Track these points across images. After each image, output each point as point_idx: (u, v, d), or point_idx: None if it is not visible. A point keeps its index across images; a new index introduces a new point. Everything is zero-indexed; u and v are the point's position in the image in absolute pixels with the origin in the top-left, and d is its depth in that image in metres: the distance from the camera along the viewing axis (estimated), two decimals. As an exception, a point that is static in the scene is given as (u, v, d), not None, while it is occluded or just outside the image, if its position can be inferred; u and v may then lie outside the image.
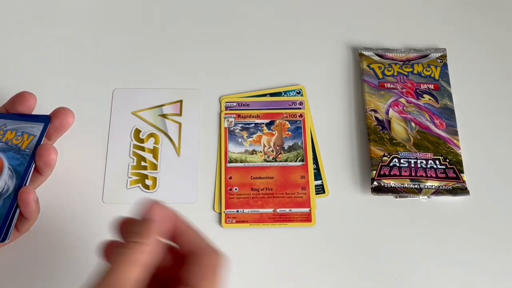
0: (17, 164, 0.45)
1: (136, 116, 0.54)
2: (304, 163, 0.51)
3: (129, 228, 0.32)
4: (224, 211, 0.49)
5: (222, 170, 0.51)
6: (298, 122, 0.53)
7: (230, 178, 0.51)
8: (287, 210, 0.49)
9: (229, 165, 0.51)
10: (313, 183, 0.51)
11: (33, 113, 0.48)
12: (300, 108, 0.54)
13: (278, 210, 0.49)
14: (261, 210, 0.49)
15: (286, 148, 0.52)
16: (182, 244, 0.34)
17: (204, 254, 0.32)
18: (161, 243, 0.33)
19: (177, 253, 0.34)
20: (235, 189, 0.50)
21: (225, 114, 0.53)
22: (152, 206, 0.33)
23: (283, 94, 0.55)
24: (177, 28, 0.59)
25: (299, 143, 0.52)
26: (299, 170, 0.51)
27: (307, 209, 0.49)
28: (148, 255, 0.31)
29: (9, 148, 0.45)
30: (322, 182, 0.51)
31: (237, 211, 0.49)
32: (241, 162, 0.51)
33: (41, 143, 0.46)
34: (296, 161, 0.51)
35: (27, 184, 0.44)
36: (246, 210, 0.49)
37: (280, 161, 0.51)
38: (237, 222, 0.49)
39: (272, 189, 0.50)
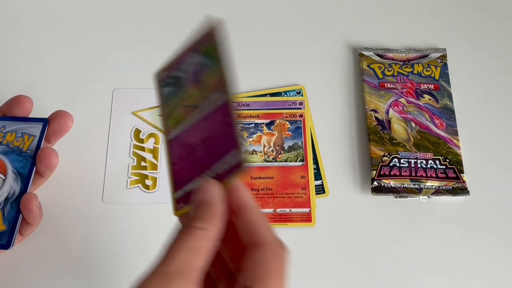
0: (20, 167, 0.45)
1: (136, 116, 0.54)
2: (304, 163, 0.51)
3: (190, 212, 0.29)
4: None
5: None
6: (298, 122, 0.53)
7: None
8: (287, 210, 0.49)
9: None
10: (313, 183, 0.51)
11: (32, 114, 0.48)
12: (300, 108, 0.54)
13: (278, 210, 0.49)
14: (261, 211, 0.49)
15: (286, 148, 0.52)
16: (243, 232, 0.29)
17: (270, 250, 0.28)
18: (223, 230, 0.28)
19: (231, 241, 0.29)
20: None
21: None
22: (214, 188, 0.29)
23: (283, 94, 0.55)
24: (177, 28, 0.59)
25: (299, 143, 0.52)
26: (299, 170, 0.51)
27: (307, 209, 0.49)
28: (211, 242, 0.28)
29: (11, 151, 0.45)
30: (322, 182, 0.51)
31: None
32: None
33: (41, 146, 0.46)
34: (296, 161, 0.51)
35: (29, 189, 0.44)
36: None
37: (280, 161, 0.51)
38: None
39: (272, 189, 0.50)
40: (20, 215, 0.43)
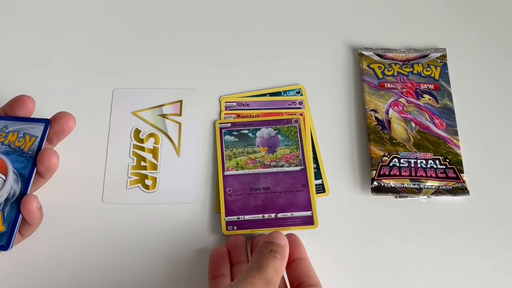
0: (21, 167, 0.45)
1: (136, 116, 0.54)
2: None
3: (268, 245, 0.40)
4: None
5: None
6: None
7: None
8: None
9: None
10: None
11: (33, 115, 0.48)
12: (300, 108, 0.54)
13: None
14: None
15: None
16: (300, 273, 0.43)
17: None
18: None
19: None
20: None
21: (225, 114, 0.53)
22: (285, 238, 0.41)
23: (282, 94, 0.55)
24: (177, 28, 0.59)
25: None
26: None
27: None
28: (283, 270, 0.40)
29: (12, 151, 0.45)
30: (322, 182, 0.51)
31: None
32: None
33: (42, 147, 0.46)
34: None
35: (29, 190, 0.44)
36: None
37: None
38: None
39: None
40: (20, 216, 0.43)
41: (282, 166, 0.50)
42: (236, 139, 0.52)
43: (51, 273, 0.47)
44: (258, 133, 0.51)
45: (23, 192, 0.44)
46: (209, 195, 0.50)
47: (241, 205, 0.49)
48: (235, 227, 0.48)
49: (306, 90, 0.55)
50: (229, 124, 0.52)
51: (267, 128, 0.51)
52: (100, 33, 0.58)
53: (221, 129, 0.52)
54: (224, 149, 0.51)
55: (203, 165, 0.52)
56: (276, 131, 0.51)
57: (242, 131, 0.52)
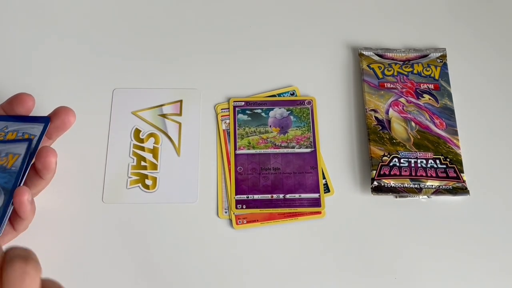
0: (4, 182, 0.44)
1: (136, 116, 0.54)
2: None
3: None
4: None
5: (225, 169, 0.51)
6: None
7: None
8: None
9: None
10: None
11: (34, 113, 0.48)
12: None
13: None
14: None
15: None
16: None
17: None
18: None
19: None
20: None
21: (222, 116, 0.53)
22: None
23: (277, 96, 0.55)
24: (177, 29, 0.59)
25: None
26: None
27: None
28: None
29: None
30: (326, 182, 0.51)
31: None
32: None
33: (40, 144, 0.45)
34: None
35: (21, 185, 0.44)
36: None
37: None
38: (248, 222, 0.49)
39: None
40: (11, 208, 0.43)
41: (293, 147, 0.51)
42: (249, 118, 0.53)
43: (51, 273, 0.47)
44: (271, 113, 0.53)
45: (7, 202, 0.43)
46: (209, 194, 0.50)
47: (251, 184, 0.50)
48: (244, 206, 0.49)
49: (307, 91, 0.55)
50: (243, 103, 0.53)
51: (280, 108, 0.52)
52: (100, 33, 0.58)
53: (234, 107, 0.53)
54: (236, 127, 0.52)
55: (203, 165, 0.52)
56: (289, 111, 0.52)
57: (255, 110, 0.53)
